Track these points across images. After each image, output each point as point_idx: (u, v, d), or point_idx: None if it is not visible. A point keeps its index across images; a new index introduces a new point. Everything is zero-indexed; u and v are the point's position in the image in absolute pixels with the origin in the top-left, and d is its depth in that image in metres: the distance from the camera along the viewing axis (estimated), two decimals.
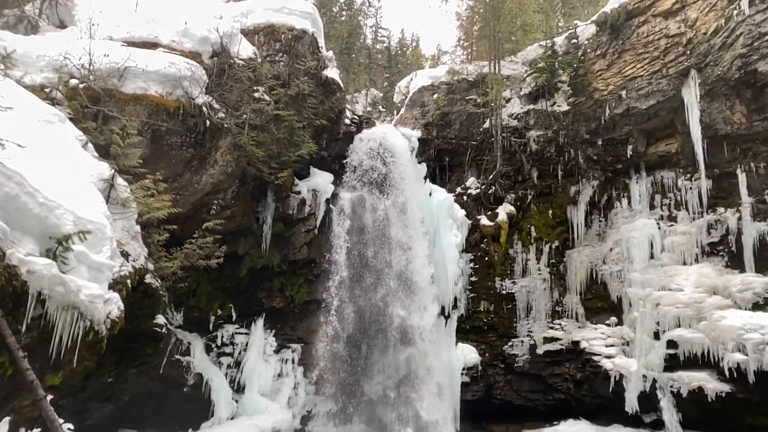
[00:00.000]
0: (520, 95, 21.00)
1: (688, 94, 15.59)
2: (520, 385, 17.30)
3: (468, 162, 21.06)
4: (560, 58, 19.76)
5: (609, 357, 15.68)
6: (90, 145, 9.41)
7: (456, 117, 21.55)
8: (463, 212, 19.17)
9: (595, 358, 15.89)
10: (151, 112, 11.92)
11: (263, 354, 15.31)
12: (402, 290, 16.90)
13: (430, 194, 19.33)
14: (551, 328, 17.33)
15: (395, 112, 28.12)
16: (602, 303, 17.29)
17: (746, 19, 13.82)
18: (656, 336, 14.68)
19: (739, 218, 14.92)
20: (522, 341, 17.42)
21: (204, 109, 12.98)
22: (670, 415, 13.88)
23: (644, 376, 14.47)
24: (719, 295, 14.08)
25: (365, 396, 15.74)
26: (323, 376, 15.66)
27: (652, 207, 17.18)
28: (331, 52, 19.82)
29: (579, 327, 17.11)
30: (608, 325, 16.75)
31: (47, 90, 10.43)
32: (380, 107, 34.68)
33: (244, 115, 14.09)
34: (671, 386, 13.92)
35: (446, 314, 17.60)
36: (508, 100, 21.08)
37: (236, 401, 14.18)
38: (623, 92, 17.14)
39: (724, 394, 12.95)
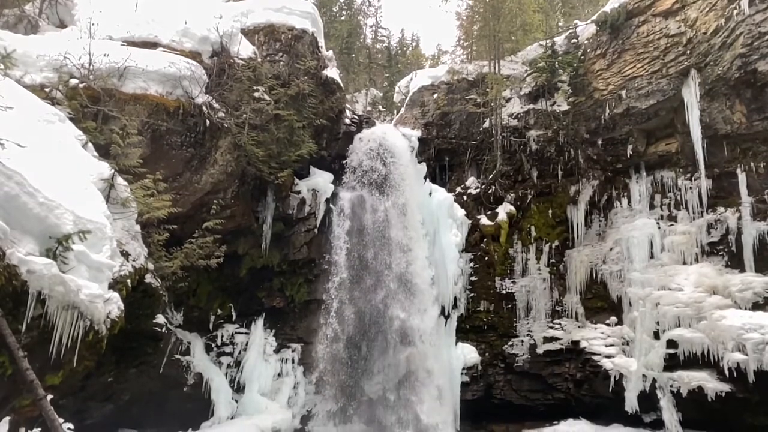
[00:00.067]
0: (520, 95, 20.99)
1: (688, 94, 15.58)
2: (520, 385, 17.30)
3: (468, 162, 21.06)
4: (560, 57, 19.75)
5: (609, 357, 15.68)
6: (90, 144, 9.42)
7: (456, 117, 21.54)
8: (463, 212, 19.17)
9: (595, 357, 15.89)
10: (151, 111, 11.93)
11: (263, 354, 15.32)
12: (402, 292, 16.87)
13: (430, 194, 19.32)
14: (551, 327, 17.34)
15: (395, 112, 28.12)
16: (602, 303, 17.29)
17: (746, 18, 13.82)
18: (656, 336, 14.68)
19: (739, 218, 14.91)
20: (522, 341, 17.42)
21: (204, 108, 12.98)
22: (669, 415, 13.87)
23: (644, 375, 14.47)
24: (719, 294, 14.08)
25: (365, 396, 15.73)
26: (323, 378, 15.66)
27: (652, 207, 17.17)
28: (331, 52, 19.81)
29: (579, 327, 17.11)
30: (608, 324, 16.76)
31: (47, 90, 10.43)
32: (380, 107, 34.68)
33: (244, 115, 14.09)
34: (671, 386, 13.92)
35: (446, 314, 17.60)
36: (508, 100, 21.07)
37: (236, 401, 14.18)
38: (623, 92, 17.14)
39: (723, 394, 12.95)
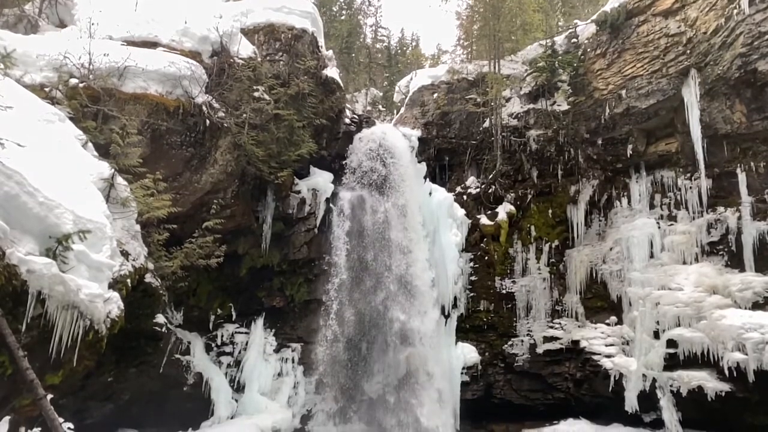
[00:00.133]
0: (520, 94, 20.98)
1: (688, 94, 15.58)
2: (520, 385, 17.30)
3: (468, 161, 21.06)
4: (560, 57, 19.74)
5: (609, 356, 15.68)
6: (90, 144, 9.43)
7: (456, 116, 21.54)
8: (463, 211, 19.17)
9: (595, 357, 15.89)
10: (150, 111, 11.93)
11: (263, 353, 15.31)
12: (402, 294, 16.84)
13: (430, 194, 19.31)
14: (551, 327, 17.34)
15: (395, 112, 28.11)
16: (602, 302, 17.30)
17: (746, 18, 13.82)
18: (656, 335, 14.68)
19: (739, 217, 14.91)
20: (522, 340, 17.43)
21: (204, 108, 12.98)
22: (669, 415, 13.88)
23: (644, 375, 14.47)
24: (719, 294, 14.08)
25: (365, 395, 15.72)
26: (323, 380, 15.66)
27: (652, 206, 17.17)
28: (330, 52, 19.81)
29: (579, 326, 17.11)
30: (608, 324, 16.76)
31: (47, 89, 10.43)
32: (380, 106, 34.69)
33: (244, 115, 14.09)
34: (671, 385, 13.92)
35: (446, 313, 17.60)
36: (508, 100, 21.07)
37: (236, 400, 14.18)
38: (623, 91, 17.14)
39: (723, 394, 12.95)
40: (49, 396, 5.99)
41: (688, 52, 15.59)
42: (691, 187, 16.27)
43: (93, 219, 7.03)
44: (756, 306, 13.37)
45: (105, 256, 7.08)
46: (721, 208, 15.39)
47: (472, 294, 18.21)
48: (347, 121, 20.30)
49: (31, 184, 6.08)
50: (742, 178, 14.99)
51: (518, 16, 23.26)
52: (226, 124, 13.53)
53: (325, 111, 17.55)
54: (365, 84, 35.70)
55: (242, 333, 15.44)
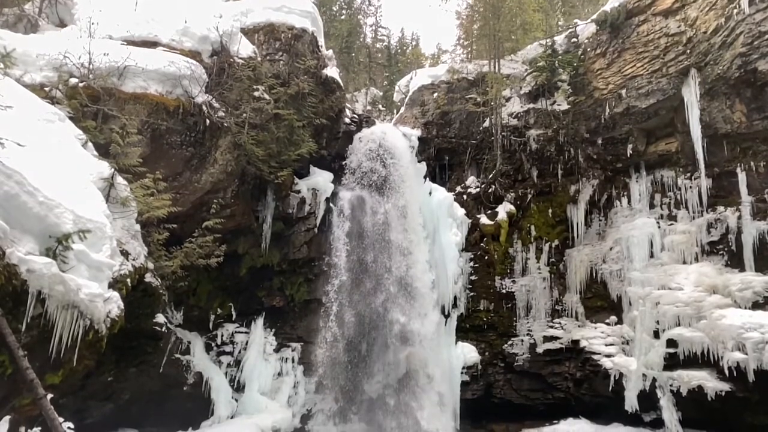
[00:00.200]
0: (520, 94, 20.98)
1: (688, 93, 15.57)
2: (520, 384, 17.30)
3: (468, 161, 21.05)
4: (560, 57, 19.73)
5: (609, 356, 15.68)
6: (90, 144, 9.43)
7: (456, 116, 21.53)
8: (462, 211, 19.16)
9: (595, 357, 15.89)
10: (150, 111, 11.93)
11: (263, 353, 15.32)
12: (402, 296, 16.80)
13: (430, 193, 19.30)
14: (551, 327, 17.34)
15: (395, 111, 28.10)
16: (602, 302, 17.29)
17: (746, 18, 13.81)
18: (656, 335, 14.68)
19: (739, 217, 14.91)
20: (522, 340, 17.43)
21: (204, 108, 12.98)
22: (669, 414, 13.87)
23: (644, 374, 14.47)
24: (719, 293, 14.08)
25: (365, 395, 15.71)
26: (323, 382, 15.65)
27: (652, 206, 17.16)
28: (330, 51, 19.80)
29: (579, 326, 17.11)
30: (608, 324, 16.76)
31: (47, 89, 10.44)
32: (380, 106, 34.69)
33: (244, 114, 14.09)
34: (671, 385, 13.92)
35: (446, 313, 17.60)
36: (508, 99, 21.06)
37: (236, 400, 14.19)
38: (623, 91, 17.13)
39: (723, 393, 12.94)
40: (49, 395, 5.99)
41: (688, 51, 15.58)
42: (691, 187, 16.27)
43: (93, 218, 7.03)
44: (756, 306, 13.35)
45: (105, 255, 7.08)
46: (721, 208, 15.38)
47: (472, 294, 18.21)
48: (347, 120, 20.29)
49: (31, 184, 6.08)
50: (742, 177, 14.98)
51: (518, 15, 23.26)
52: (226, 124, 13.53)
53: (325, 110, 17.54)
54: (365, 84, 35.70)
55: (242, 333, 15.44)
